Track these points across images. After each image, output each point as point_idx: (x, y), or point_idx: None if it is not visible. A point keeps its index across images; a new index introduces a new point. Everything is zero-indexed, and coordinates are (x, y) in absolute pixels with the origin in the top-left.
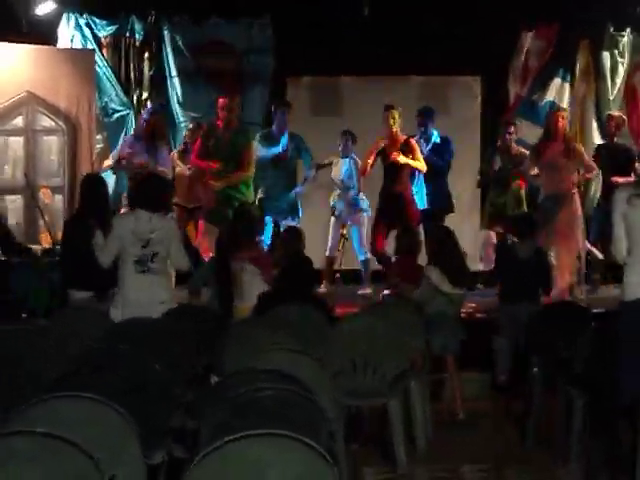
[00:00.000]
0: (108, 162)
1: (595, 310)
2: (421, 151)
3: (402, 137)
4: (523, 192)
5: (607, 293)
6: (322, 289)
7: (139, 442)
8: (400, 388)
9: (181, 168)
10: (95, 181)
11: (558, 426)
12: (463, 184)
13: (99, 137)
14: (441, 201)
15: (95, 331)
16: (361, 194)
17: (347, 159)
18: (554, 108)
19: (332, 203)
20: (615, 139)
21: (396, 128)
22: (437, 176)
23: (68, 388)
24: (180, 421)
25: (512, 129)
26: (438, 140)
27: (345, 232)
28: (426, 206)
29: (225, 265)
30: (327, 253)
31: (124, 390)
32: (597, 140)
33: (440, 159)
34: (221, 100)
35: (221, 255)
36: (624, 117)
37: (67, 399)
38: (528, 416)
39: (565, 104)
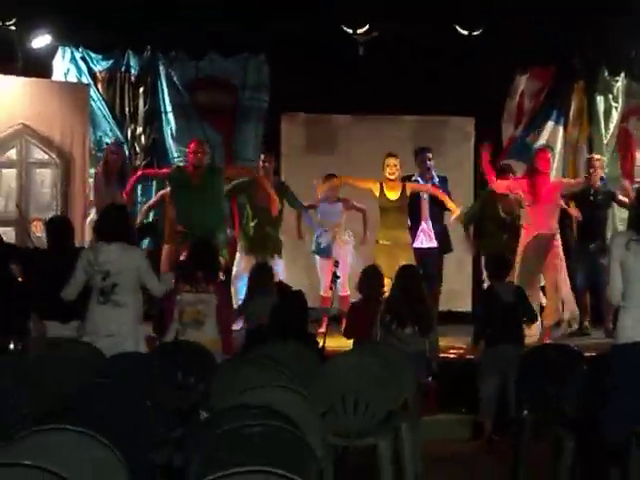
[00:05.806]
0: None
1: (586, 354)
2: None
3: (398, 182)
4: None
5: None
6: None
7: (127, 477)
8: (390, 428)
9: None
10: (61, 224)
11: (547, 470)
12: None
13: (92, 171)
14: (444, 240)
15: (82, 365)
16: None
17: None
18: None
19: (317, 240)
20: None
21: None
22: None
23: (56, 421)
24: (168, 456)
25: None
26: (437, 180)
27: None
28: (435, 245)
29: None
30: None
31: (112, 425)
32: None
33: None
34: (192, 144)
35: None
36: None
37: (55, 432)
38: (517, 459)
39: (558, 147)
